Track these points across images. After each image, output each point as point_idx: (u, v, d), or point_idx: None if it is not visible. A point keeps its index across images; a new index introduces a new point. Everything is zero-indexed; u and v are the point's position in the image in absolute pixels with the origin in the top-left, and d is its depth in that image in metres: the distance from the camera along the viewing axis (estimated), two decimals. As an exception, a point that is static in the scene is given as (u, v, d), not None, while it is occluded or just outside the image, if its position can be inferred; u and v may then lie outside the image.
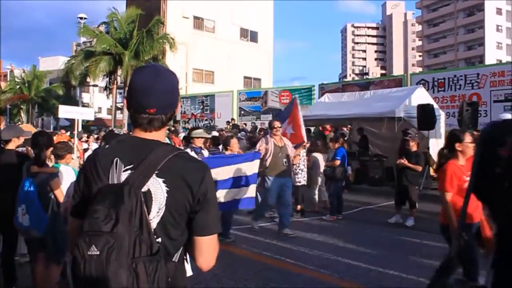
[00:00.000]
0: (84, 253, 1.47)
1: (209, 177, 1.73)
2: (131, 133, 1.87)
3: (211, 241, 1.73)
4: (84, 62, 28.66)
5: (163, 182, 1.64)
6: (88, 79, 30.54)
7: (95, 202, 1.57)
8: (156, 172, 1.64)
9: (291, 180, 8.30)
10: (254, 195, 7.20)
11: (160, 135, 1.77)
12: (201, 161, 1.88)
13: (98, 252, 1.46)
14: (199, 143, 7.46)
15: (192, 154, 6.55)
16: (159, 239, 1.62)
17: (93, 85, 31.62)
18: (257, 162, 7.21)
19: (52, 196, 4.45)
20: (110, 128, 18.23)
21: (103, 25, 30.76)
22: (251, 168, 7.06)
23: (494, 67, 18.07)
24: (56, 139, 13.41)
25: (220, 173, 6.58)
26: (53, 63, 48.16)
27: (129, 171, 1.65)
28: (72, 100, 37.03)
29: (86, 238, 1.49)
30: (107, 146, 1.93)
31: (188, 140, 7.66)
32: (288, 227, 7.94)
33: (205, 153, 7.46)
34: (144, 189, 1.62)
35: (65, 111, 13.42)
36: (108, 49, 27.96)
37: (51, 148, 4.73)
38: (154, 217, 1.63)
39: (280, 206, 8.13)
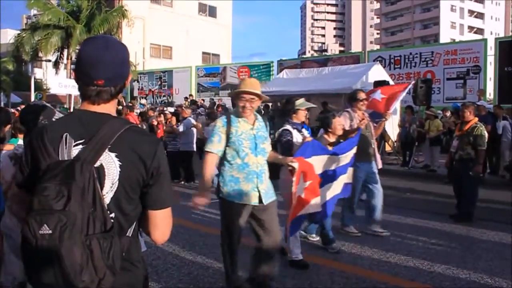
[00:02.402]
0: (36, 233, 1.44)
1: (161, 151, 1.72)
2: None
3: (165, 214, 1.73)
4: (34, 36, 27.45)
5: (116, 156, 1.62)
6: (40, 54, 29.34)
7: (44, 179, 1.52)
8: (109, 146, 1.60)
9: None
10: (351, 180, 5.67)
11: (109, 108, 1.73)
12: (153, 135, 1.87)
13: (50, 231, 1.43)
14: (302, 116, 5.38)
15: (295, 133, 5.08)
16: (113, 215, 1.61)
17: (46, 60, 30.38)
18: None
19: None
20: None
21: (55, -4, 29.50)
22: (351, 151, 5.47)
23: (447, 46, 18.58)
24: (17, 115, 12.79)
25: (327, 163, 5.08)
26: (1, 37, 45.91)
27: (80, 146, 1.60)
28: (24, 76, 35.57)
29: (37, 217, 1.45)
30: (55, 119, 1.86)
31: (285, 114, 5.61)
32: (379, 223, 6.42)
33: (305, 132, 5.46)
34: (97, 164, 1.58)
35: (60, 85, 12.01)
36: (58, 23, 26.87)
37: (9, 126, 4.51)
38: (108, 193, 1.61)
39: (371, 196, 6.42)
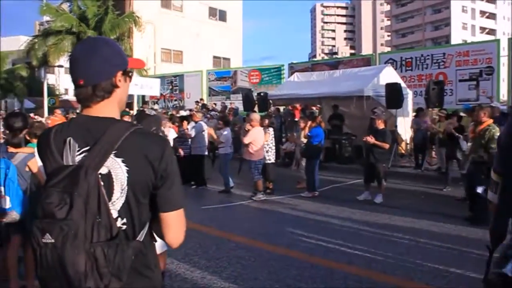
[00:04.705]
0: (39, 241, 1.43)
1: (168, 152, 1.67)
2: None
3: (177, 216, 1.68)
4: (46, 42, 27.71)
5: (123, 161, 1.57)
6: (51, 60, 29.57)
7: (48, 184, 1.50)
8: (114, 152, 1.56)
9: None
10: None
11: (110, 111, 1.67)
12: (159, 136, 1.78)
13: (53, 240, 1.42)
14: None
15: None
16: (125, 220, 1.59)
17: (58, 66, 30.63)
18: None
19: (29, 177, 4.39)
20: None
21: (67, 2, 29.77)
22: None
23: (459, 47, 18.37)
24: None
25: None
26: (14, 43, 46.34)
27: (84, 152, 1.57)
28: (36, 82, 35.97)
29: (40, 225, 1.43)
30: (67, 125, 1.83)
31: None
32: None
33: None
34: (104, 170, 1.55)
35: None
36: (70, 28, 27.11)
37: (25, 130, 4.60)
38: (118, 199, 1.58)
39: None
